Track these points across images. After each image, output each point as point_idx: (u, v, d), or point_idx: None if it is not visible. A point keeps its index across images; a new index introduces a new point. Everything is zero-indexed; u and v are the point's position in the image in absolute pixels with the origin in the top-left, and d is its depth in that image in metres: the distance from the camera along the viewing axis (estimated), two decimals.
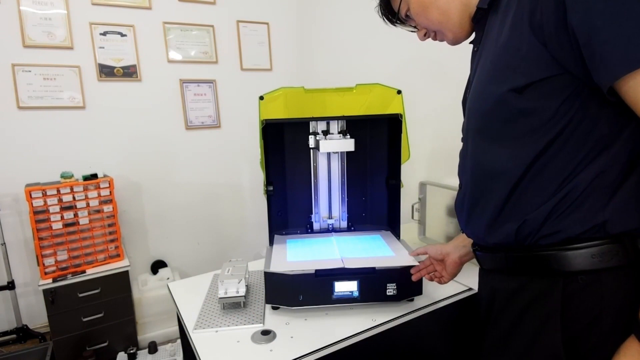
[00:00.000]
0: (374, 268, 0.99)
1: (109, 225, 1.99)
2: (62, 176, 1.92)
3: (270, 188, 1.22)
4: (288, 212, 1.33)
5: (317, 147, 1.16)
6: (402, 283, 0.99)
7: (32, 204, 1.79)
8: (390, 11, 0.80)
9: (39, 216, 1.82)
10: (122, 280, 2.00)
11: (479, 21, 0.69)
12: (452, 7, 0.70)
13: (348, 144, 1.13)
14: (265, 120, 1.12)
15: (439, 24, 0.72)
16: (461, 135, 0.76)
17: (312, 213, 1.31)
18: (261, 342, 0.90)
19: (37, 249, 1.83)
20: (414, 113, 1.40)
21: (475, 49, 0.71)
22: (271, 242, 1.21)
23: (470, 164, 0.70)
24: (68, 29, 2.10)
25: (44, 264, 1.86)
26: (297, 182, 1.29)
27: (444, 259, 0.93)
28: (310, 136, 1.21)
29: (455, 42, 0.75)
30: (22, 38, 2.01)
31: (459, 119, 0.77)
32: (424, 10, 0.72)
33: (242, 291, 1.03)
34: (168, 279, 2.32)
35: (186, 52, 2.42)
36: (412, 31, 0.83)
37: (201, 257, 2.60)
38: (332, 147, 1.14)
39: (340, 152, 1.26)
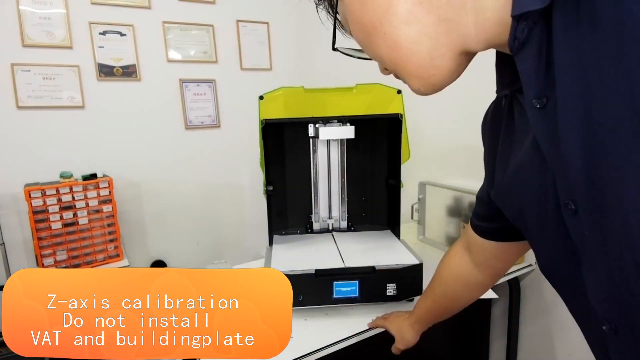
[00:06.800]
0: (374, 268, 0.98)
1: (109, 225, 1.99)
2: (62, 176, 1.91)
3: (270, 188, 1.21)
4: (288, 212, 1.33)
5: (316, 136, 1.15)
6: (402, 283, 0.99)
7: (31, 203, 1.79)
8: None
9: (38, 216, 1.81)
10: None
11: (518, 54, 0.36)
12: (414, 30, 0.39)
13: (348, 131, 1.13)
14: (265, 120, 1.12)
15: (389, 61, 0.44)
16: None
17: (312, 213, 1.31)
18: None
19: (36, 249, 1.83)
20: (414, 113, 1.39)
21: (537, 103, 0.35)
22: (271, 242, 1.21)
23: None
24: (67, 29, 2.09)
25: (43, 264, 1.85)
26: (297, 182, 1.29)
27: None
28: (309, 125, 1.20)
29: (425, 90, 0.45)
30: (21, 37, 2.00)
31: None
32: (367, 38, 0.44)
33: None
34: None
35: (186, 51, 2.41)
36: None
37: (201, 257, 2.60)
38: (331, 134, 1.13)
39: (340, 143, 1.26)
